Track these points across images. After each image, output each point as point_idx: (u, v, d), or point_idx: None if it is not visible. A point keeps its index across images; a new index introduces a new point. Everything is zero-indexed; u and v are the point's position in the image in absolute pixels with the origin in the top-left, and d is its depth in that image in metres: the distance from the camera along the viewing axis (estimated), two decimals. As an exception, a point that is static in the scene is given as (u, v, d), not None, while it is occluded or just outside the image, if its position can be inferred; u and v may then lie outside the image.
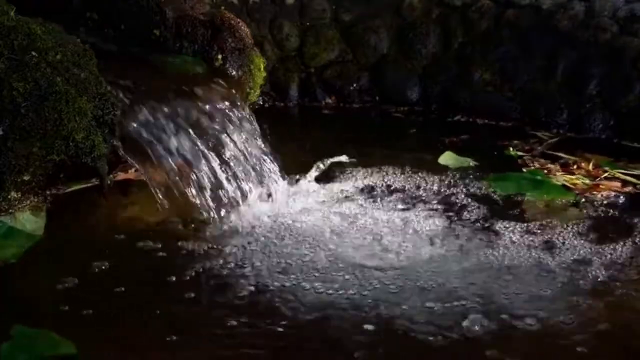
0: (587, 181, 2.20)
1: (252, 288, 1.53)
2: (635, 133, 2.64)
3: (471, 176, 2.21)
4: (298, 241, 1.75)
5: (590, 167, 2.32)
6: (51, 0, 2.07)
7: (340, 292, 1.51)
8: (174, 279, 1.56)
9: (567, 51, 2.84)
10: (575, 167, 2.34)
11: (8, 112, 1.48)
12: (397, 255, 1.69)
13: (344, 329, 1.38)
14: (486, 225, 1.86)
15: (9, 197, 1.60)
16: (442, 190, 2.10)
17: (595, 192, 2.11)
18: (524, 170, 2.30)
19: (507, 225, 1.85)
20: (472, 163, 2.34)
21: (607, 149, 2.54)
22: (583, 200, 2.05)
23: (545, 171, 2.28)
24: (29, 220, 1.69)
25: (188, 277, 1.57)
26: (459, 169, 2.28)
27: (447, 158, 2.37)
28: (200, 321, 1.41)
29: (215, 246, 1.71)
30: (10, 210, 1.64)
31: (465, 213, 1.93)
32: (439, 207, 1.97)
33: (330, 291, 1.51)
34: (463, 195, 2.06)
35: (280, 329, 1.37)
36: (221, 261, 1.64)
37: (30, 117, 1.51)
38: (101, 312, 1.43)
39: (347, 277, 1.58)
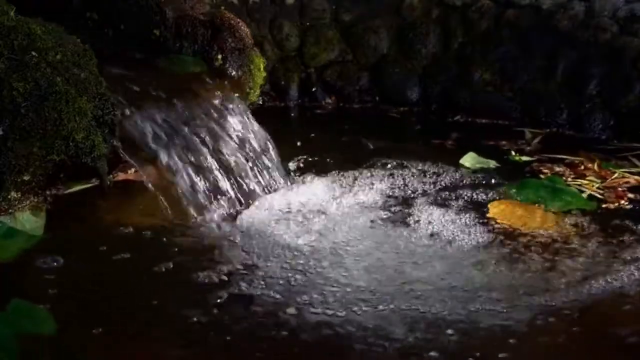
0: (600, 182, 2.18)
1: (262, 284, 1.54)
2: (635, 133, 2.64)
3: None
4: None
5: (596, 167, 2.32)
6: (51, 0, 2.07)
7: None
8: (173, 277, 1.56)
9: (567, 51, 2.84)
10: (582, 167, 2.32)
11: (8, 112, 1.48)
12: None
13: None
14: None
15: (9, 197, 1.60)
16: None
17: (618, 198, 2.07)
18: (542, 177, 2.24)
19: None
20: (492, 165, 2.34)
21: (592, 146, 2.55)
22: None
23: (564, 178, 2.23)
24: (28, 221, 1.69)
25: (189, 275, 1.57)
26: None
27: (468, 159, 2.35)
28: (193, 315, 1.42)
29: (215, 246, 1.71)
30: (10, 210, 1.64)
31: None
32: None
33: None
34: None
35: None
36: (224, 260, 1.64)
37: (30, 117, 1.51)
38: (100, 312, 1.44)
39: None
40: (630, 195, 2.09)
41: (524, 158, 2.43)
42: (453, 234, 1.81)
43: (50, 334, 1.33)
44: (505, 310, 1.43)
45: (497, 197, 2.05)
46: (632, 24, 2.76)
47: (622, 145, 2.58)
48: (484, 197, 2.06)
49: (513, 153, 2.47)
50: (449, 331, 1.36)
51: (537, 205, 2.00)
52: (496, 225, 1.86)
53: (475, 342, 1.33)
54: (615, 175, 2.24)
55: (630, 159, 2.41)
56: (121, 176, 1.97)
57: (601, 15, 2.82)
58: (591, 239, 1.78)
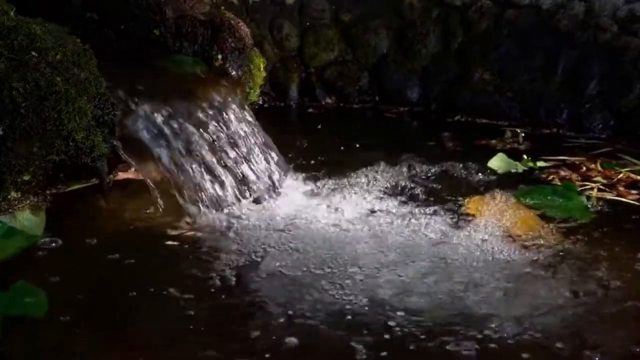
0: (605, 180, 2.17)
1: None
2: (635, 133, 2.64)
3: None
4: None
5: (599, 166, 2.31)
6: (51, 0, 2.07)
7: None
8: (172, 276, 1.56)
9: (567, 51, 2.85)
10: (584, 168, 2.31)
11: (8, 112, 1.48)
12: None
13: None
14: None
15: (9, 197, 1.60)
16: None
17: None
18: (556, 182, 2.20)
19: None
20: (521, 168, 2.30)
21: (571, 143, 2.59)
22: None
23: (571, 181, 2.20)
24: (28, 220, 1.69)
25: (186, 274, 1.57)
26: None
27: (496, 161, 2.32)
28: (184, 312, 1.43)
29: (211, 245, 1.71)
30: (10, 210, 1.64)
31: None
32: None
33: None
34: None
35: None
36: (219, 260, 1.64)
37: (30, 117, 1.51)
38: (94, 309, 1.44)
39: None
40: (634, 192, 2.08)
41: (540, 164, 2.35)
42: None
43: (40, 317, 1.38)
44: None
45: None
46: (632, 24, 2.76)
47: (593, 142, 2.61)
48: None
49: (525, 157, 2.39)
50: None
51: (533, 208, 1.98)
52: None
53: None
54: (621, 175, 2.24)
55: (620, 156, 2.42)
56: (121, 175, 1.97)
57: (601, 15, 2.83)
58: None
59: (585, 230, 1.84)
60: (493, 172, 2.28)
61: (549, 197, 2.05)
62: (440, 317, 1.41)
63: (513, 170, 2.29)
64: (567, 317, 1.42)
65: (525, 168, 2.31)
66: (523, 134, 2.68)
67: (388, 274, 1.59)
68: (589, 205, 2.00)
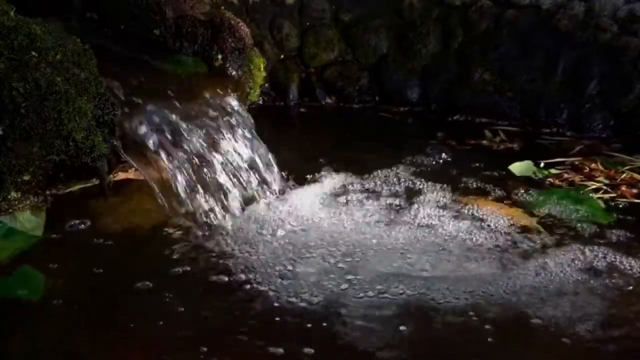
0: (608, 180, 2.16)
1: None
2: (635, 133, 2.64)
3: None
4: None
5: (600, 166, 2.30)
6: (51, 0, 2.07)
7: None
8: (171, 275, 1.57)
9: (567, 51, 2.85)
10: (587, 169, 2.29)
11: (8, 112, 1.48)
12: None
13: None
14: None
15: (9, 197, 1.60)
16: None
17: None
18: (558, 184, 2.18)
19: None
20: (539, 174, 2.26)
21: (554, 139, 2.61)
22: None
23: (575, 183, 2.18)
24: (28, 220, 1.69)
25: (184, 275, 1.58)
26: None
27: (518, 166, 2.29)
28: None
29: (209, 244, 1.72)
30: (10, 210, 1.64)
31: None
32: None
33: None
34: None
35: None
36: (214, 258, 1.65)
37: (30, 117, 1.51)
38: (91, 310, 1.44)
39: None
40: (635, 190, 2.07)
41: (554, 171, 2.30)
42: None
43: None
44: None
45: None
46: (632, 24, 2.76)
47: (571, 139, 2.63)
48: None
49: (542, 165, 2.34)
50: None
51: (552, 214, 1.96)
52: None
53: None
54: (624, 175, 2.22)
55: (611, 154, 2.41)
56: (121, 175, 1.97)
57: (601, 15, 2.83)
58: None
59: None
60: (493, 173, 2.27)
61: (565, 202, 2.02)
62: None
63: (530, 175, 2.25)
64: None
65: (546, 172, 2.27)
66: (502, 133, 2.67)
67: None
68: (608, 207, 1.99)
